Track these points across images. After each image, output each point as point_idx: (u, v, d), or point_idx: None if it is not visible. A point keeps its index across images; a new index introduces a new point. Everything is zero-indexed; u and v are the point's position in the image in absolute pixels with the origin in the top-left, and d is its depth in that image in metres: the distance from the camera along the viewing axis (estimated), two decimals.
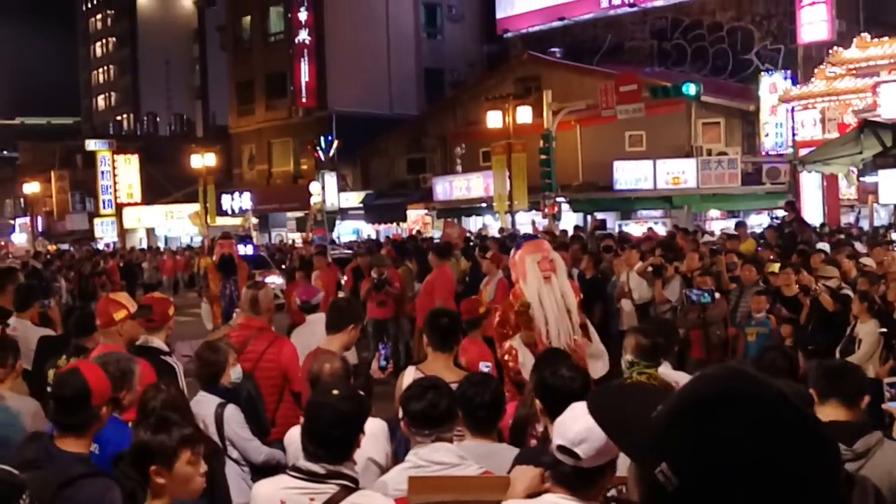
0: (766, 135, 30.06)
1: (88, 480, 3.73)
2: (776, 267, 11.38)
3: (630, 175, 30.20)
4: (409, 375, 5.69)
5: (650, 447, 1.35)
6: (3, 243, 55.06)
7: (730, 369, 1.40)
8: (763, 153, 29.91)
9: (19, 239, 58.83)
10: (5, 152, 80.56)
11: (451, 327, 5.96)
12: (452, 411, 4.12)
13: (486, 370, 6.23)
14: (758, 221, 27.14)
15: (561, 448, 2.98)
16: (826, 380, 4.57)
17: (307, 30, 44.90)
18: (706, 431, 1.28)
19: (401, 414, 4.20)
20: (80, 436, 4.02)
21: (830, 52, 26.04)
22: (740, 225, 19.38)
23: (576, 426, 2.95)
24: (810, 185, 25.70)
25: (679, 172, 29.55)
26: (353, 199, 42.33)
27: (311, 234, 34.66)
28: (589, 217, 30.41)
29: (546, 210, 26.79)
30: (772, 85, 30.04)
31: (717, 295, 10.84)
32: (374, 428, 4.81)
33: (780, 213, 23.30)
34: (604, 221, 26.06)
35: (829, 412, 4.35)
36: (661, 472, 1.30)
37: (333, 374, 5.00)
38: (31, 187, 66.53)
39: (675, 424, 1.32)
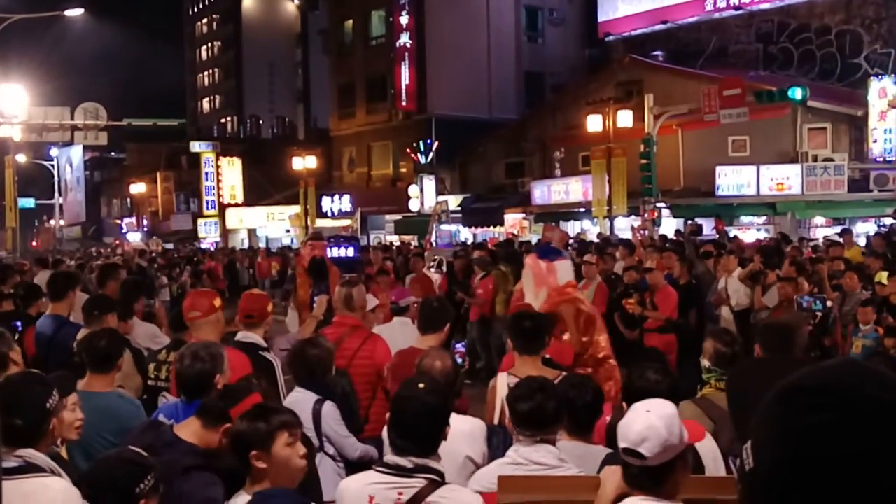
0: (875, 141, 29.19)
1: (197, 473, 3.82)
2: (884, 276, 11.02)
3: (733, 180, 29.63)
4: (503, 381, 5.64)
5: (747, 424, 1.34)
6: (117, 242, 56.63)
7: (847, 363, 1.33)
8: (871, 159, 29.06)
9: (134, 238, 60.56)
10: (113, 153, 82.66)
11: (536, 330, 5.84)
12: (560, 414, 4.09)
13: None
14: (864, 229, 26.39)
15: (626, 451, 2.99)
16: None
17: (408, 33, 45.17)
18: (784, 420, 1.24)
19: (507, 413, 4.17)
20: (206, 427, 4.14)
21: None
22: (845, 232, 18.86)
23: (636, 426, 2.97)
24: None
25: (783, 178, 28.88)
26: (451, 202, 42.33)
27: (434, 238, 34.40)
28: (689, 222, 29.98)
29: (646, 215, 26.47)
30: (881, 89, 29.16)
31: (829, 303, 10.55)
32: (474, 427, 4.81)
33: (888, 220, 22.64)
34: (700, 226, 25.57)
35: None
36: (745, 449, 1.29)
37: (443, 372, 4.97)
38: (138, 188, 68.44)
39: (765, 407, 1.29)
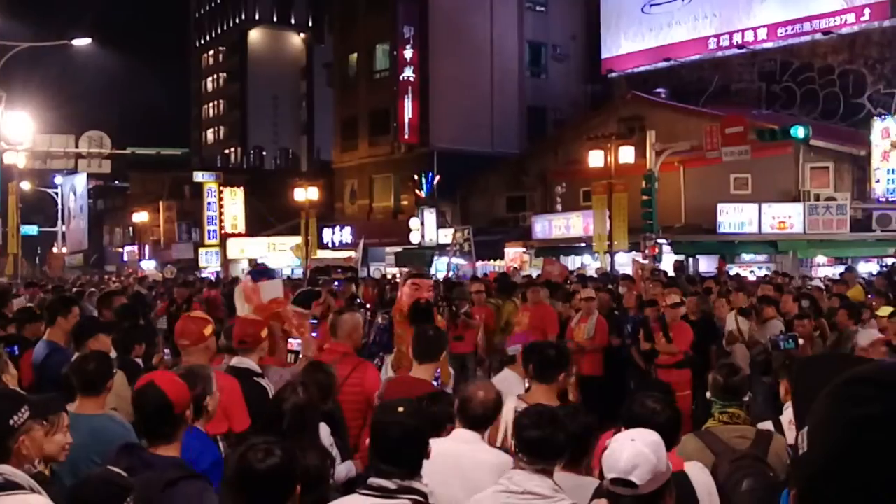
0: (878, 181, 29.21)
1: (188, 481, 3.83)
2: (886, 310, 10.94)
3: (734, 218, 29.60)
4: (510, 404, 5.59)
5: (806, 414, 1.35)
6: (131, 270, 56.74)
7: None
8: (874, 199, 29.07)
9: (147, 266, 60.71)
10: (117, 182, 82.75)
11: (557, 359, 5.78)
12: (565, 449, 4.04)
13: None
14: (866, 269, 26.33)
15: (615, 481, 2.96)
16: None
17: (412, 67, 45.38)
18: (836, 409, 1.25)
19: (510, 440, 4.13)
20: (170, 442, 4.12)
21: None
22: (848, 271, 18.83)
23: (624, 455, 2.96)
24: None
25: (785, 217, 28.87)
26: (452, 235, 42.33)
27: (455, 270, 33.81)
28: (691, 259, 29.98)
29: (646, 251, 26.43)
30: (884, 129, 29.23)
31: (801, 341, 10.51)
32: (502, 461, 4.69)
33: (890, 260, 22.58)
34: (683, 263, 25.52)
35: None
36: (801, 434, 1.32)
37: (485, 402, 4.84)
38: (140, 216, 68.44)
39: (823, 395, 1.29)
